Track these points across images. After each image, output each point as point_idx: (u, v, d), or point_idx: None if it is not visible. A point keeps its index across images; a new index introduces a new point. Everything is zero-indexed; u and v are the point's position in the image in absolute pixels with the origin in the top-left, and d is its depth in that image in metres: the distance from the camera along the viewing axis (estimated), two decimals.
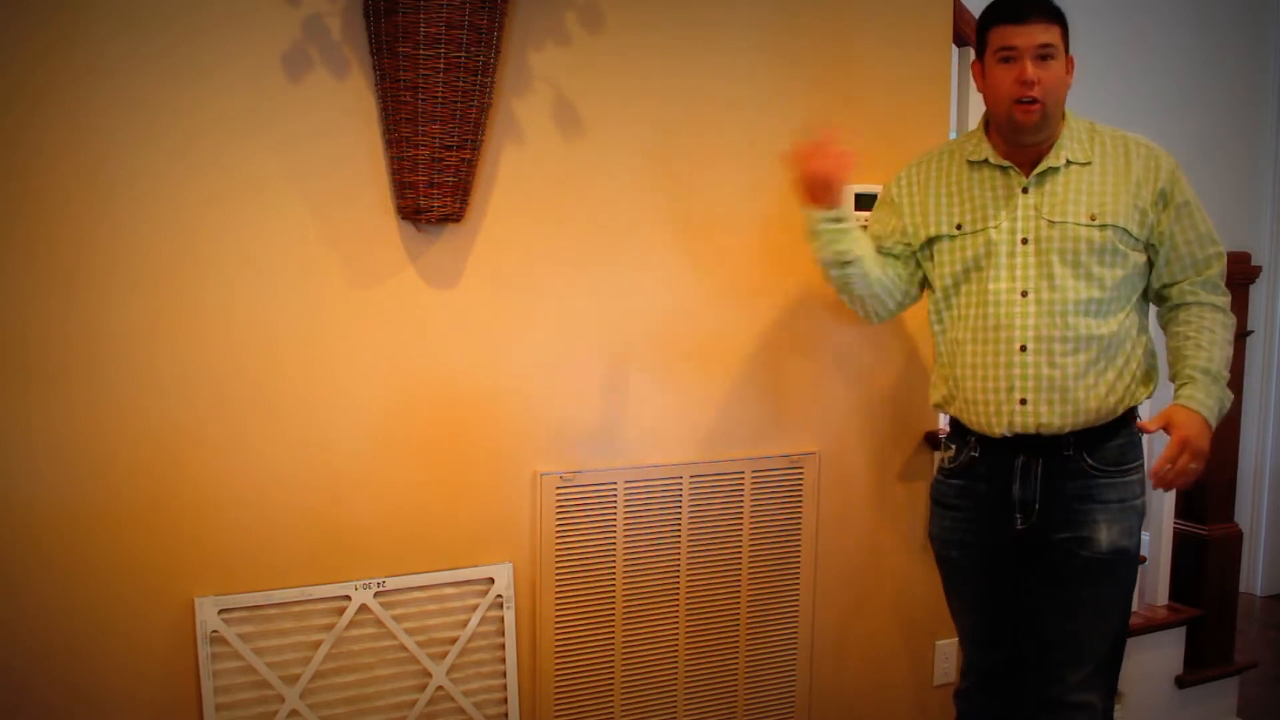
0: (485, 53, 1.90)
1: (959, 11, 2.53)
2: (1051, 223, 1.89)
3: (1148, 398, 1.97)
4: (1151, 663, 2.83)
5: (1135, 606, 2.84)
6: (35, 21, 1.72)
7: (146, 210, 1.82)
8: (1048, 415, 1.90)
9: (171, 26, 1.81)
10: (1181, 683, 2.87)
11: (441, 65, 1.85)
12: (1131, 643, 2.74)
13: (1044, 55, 1.85)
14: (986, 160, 1.96)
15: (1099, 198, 1.89)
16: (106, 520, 1.84)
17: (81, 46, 1.75)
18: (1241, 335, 2.89)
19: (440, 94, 1.87)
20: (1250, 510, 4.19)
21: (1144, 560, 2.85)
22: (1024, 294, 1.90)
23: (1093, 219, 1.88)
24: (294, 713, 1.96)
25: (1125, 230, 1.88)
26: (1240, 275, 2.85)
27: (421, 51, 1.84)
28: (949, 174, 2.03)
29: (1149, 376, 1.96)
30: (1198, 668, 2.91)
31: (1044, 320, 1.88)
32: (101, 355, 1.81)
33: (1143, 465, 1.97)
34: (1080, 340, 1.88)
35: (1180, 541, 2.92)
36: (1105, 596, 1.94)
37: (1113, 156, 1.92)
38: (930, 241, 2.03)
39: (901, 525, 2.56)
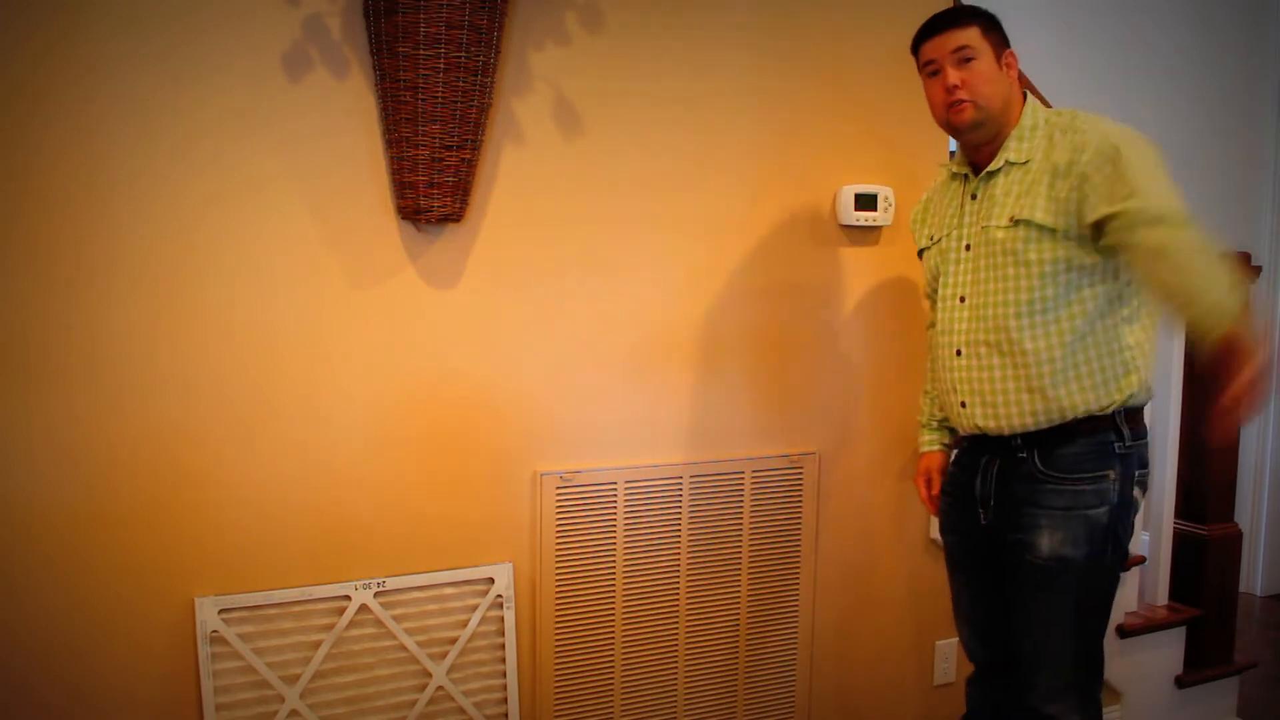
0: (485, 53, 1.90)
1: None
2: (983, 228, 1.92)
3: (1122, 405, 1.87)
4: (1151, 663, 2.83)
5: (1135, 606, 2.84)
6: (35, 21, 1.72)
7: (146, 210, 1.82)
8: (982, 419, 1.93)
9: (171, 27, 1.81)
10: (1181, 683, 2.87)
11: (441, 65, 1.85)
12: (1131, 643, 2.76)
13: (963, 58, 1.89)
14: (954, 171, 2.04)
15: (1023, 197, 1.86)
16: (106, 520, 1.84)
17: (81, 46, 1.75)
18: None
19: (440, 94, 1.87)
20: (1250, 510, 4.19)
21: (1143, 560, 2.85)
22: (961, 299, 1.95)
23: (1012, 220, 1.87)
24: (294, 713, 1.96)
25: (1040, 225, 1.83)
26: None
27: (421, 51, 1.84)
28: (940, 190, 2.10)
29: (1109, 382, 1.87)
30: (1198, 668, 2.91)
31: (975, 325, 1.92)
32: (101, 355, 1.81)
33: (1106, 476, 1.87)
34: (1009, 344, 1.86)
35: (1180, 541, 2.93)
36: (1052, 604, 1.89)
37: (1056, 148, 1.85)
38: (920, 255, 2.12)
39: (901, 525, 2.56)
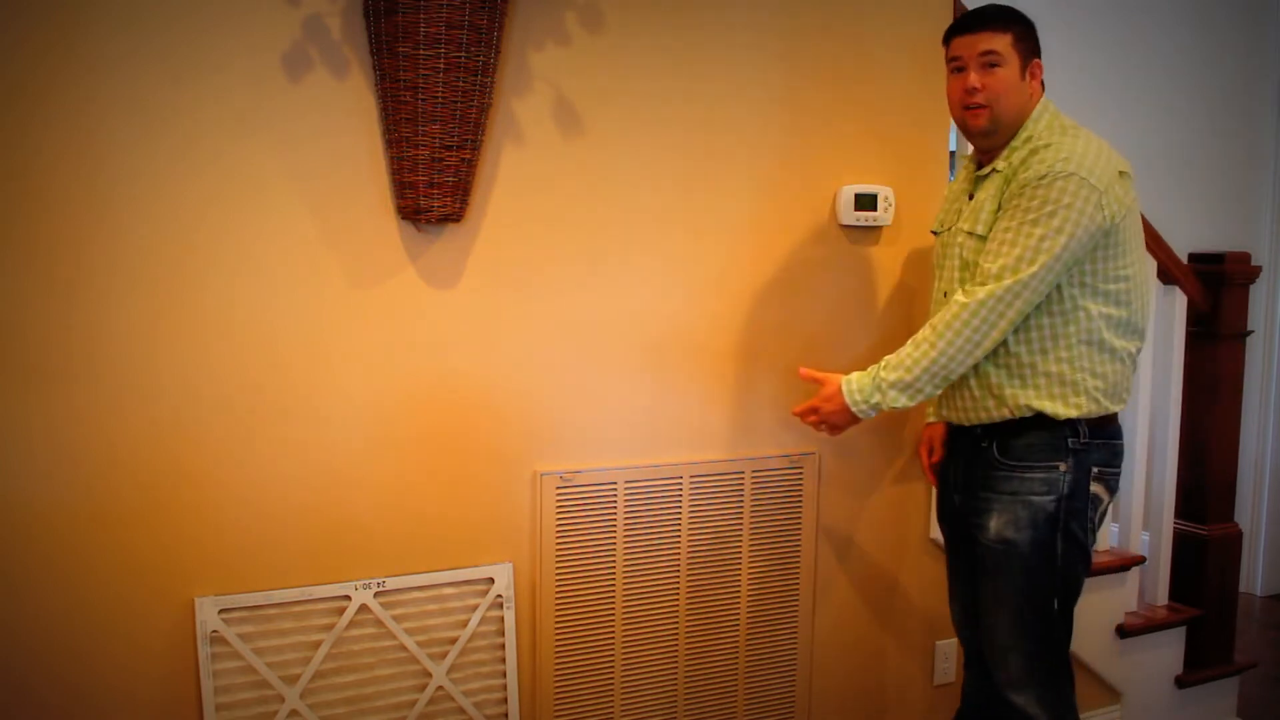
0: (485, 53, 1.90)
1: (959, 11, 2.52)
2: (959, 229, 2.01)
3: (1078, 415, 1.92)
4: (1151, 663, 2.83)
5: (1135, 606, 2.84)
6: (35, 21, 1.72)
7: (146, 210, 1.82)
8: (948, 410, 2.08)
9: (171, 27, 1.81)
10: (1181, 683, 2.87)
11: (441, 65, 1.85)
12: (1131, 643, 2.76)
13: (989, 63, 1.92)
14: (966, 163, 2.11)
15: (983, 210, 1.95)
16: (106, 520, 1.84)
17: (81, 46, 1.75)
18: (1241, 335, 2.89)
19: (440, 94, 1.87)
20: (1250, 510, 4.19)
21: (1143, 560, 2.85)
22: (945, 295, 2.04)
23: (972, 229, 1.96)
24: (294, 713, 1.96)
25: (983, 239, 1.94)
26: (1240, 275, 2.85)
27: (421, 51, 1.84)
28: (959, 177, 2.17)
29: (1061, 388, 1.91)
30: (1198, 668, 2.91)
31: None
32: (101, 355, 1.81)
33: (1057, 467, 1.93)
34: None
35: (1180, 541, 2.93)
36: (1002, 586, 1.97)
37: (1024, 168, 1.90)
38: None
39: (902, 525, 2.56)
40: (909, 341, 1.94)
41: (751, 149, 2.30)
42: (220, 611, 1.90)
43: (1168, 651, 2.85)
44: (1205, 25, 4.12)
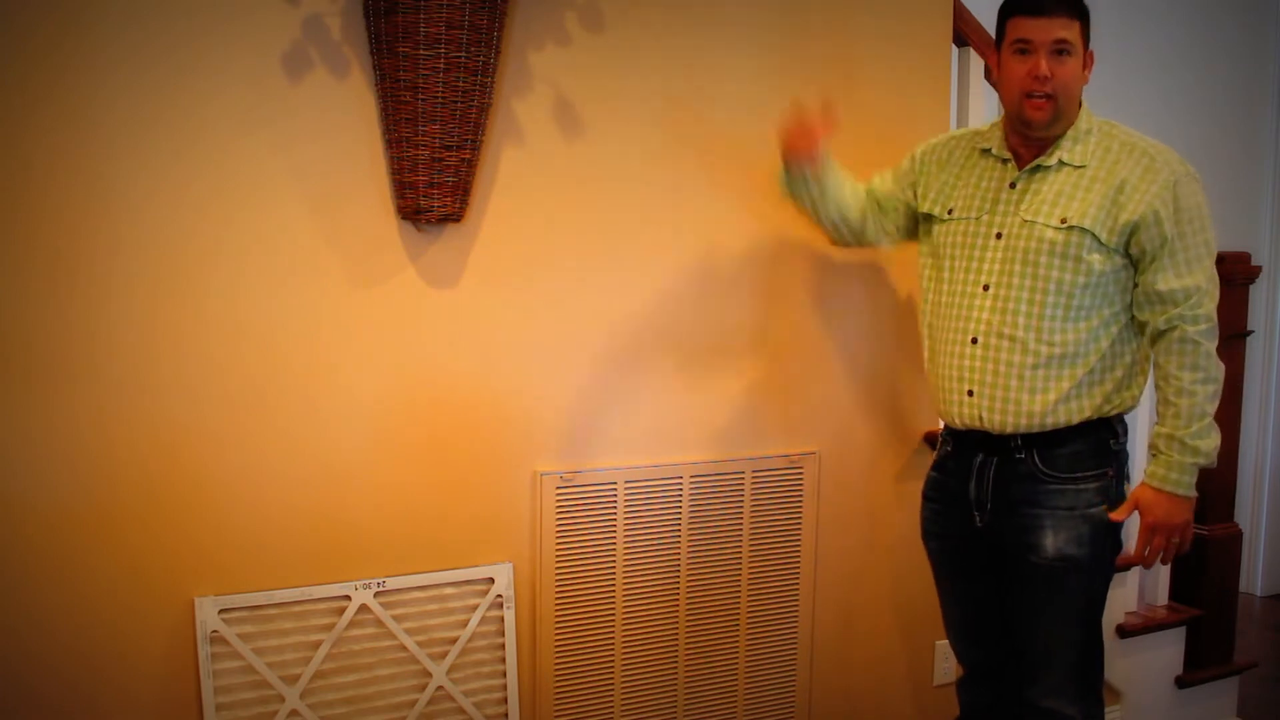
0: (485, 53, 1.91)
1: (959, 11, 2.52)
2: (1025, 221, 1.88)
3: (1119, 411, 1.92)
4: (1151, 663, 2.83)
5: (1135, 606, 2.84)
6: (36, 21, 1.72)
7: (147, 210, 1.82)
8: (988, 410, 1.90)
9: (172, 26, 1.81)
10: (1181, 683, 2.87)
11: (441, 65, 1.86)
12: (1131, 643, 2.76)
13: (1060, 51, 1.83)
14: (990, 150, 1.97)
15: (1077, 201, 1.85)
16: (106, 520, 1.84)
17: (82, 46, 1.75)
18: (1241, 335, 2.89)
19: (440, 94, 1.87)
20: (1250, 510, 4.19)
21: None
22: (985, 287, 1.91)
23: (1063, 222, 1.85)
24: (294, 713, 1.96)
25: (1094, 235, 1.83)
26: (1240, 275, 2.85)
27: (421, 51, 1.84)
28: (960, 157, 2.04)
29: (1122, 393, 1.91)
30: (1198, 668, 2.91)
31: (998, 316, 1.89)
32: (101, 355, 1.81)
33: (1105, 474, 1.90)
34: (1030, 341, 1.86)
35: None
36: (1058, 603, 1.91)
37: (1113, 160, 1.86)
38: (927, 217, 2.06)
39: (902, 525, 2.56)
40: (1170, 394, 1.83)
41: (752, 149, 2.29)
42: (220, 611, 1.90)
43: (1167, 651, 2.85)
44: (1205, 25, 4.12)
